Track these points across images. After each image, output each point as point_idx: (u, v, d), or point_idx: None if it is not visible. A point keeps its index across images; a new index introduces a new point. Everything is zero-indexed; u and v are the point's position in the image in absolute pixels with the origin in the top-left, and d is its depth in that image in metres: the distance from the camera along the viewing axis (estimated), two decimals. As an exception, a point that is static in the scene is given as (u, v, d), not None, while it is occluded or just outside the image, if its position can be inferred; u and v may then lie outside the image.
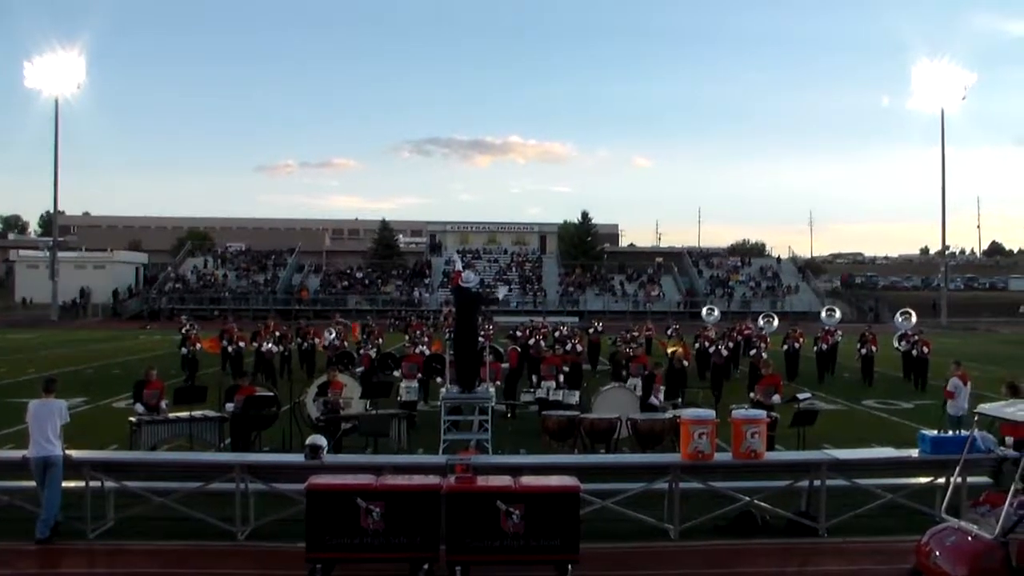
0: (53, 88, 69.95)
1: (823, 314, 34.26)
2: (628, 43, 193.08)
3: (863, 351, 29.23)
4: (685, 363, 24.60)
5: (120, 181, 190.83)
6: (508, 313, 60.45)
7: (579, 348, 27.76)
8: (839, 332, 31.35)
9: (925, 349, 28.09)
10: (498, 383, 20.05)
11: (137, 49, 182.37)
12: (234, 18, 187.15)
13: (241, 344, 29.18)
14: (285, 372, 28.19)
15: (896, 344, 30.06)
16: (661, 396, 17.56)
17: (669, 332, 33.24)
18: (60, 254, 74.84)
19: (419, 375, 20.98)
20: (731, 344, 28.68)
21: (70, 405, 13.19)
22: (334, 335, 28.31)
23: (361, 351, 24.71)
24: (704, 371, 27.70)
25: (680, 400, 18.15)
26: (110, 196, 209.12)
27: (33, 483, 11.59)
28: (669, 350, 24.50)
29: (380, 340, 29.29)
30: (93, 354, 39.78)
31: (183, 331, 30.35)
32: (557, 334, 30.84)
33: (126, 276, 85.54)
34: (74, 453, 11.94)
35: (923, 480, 12.74)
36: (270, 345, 27.11)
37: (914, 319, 31.17)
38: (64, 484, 11.62)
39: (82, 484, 11.82)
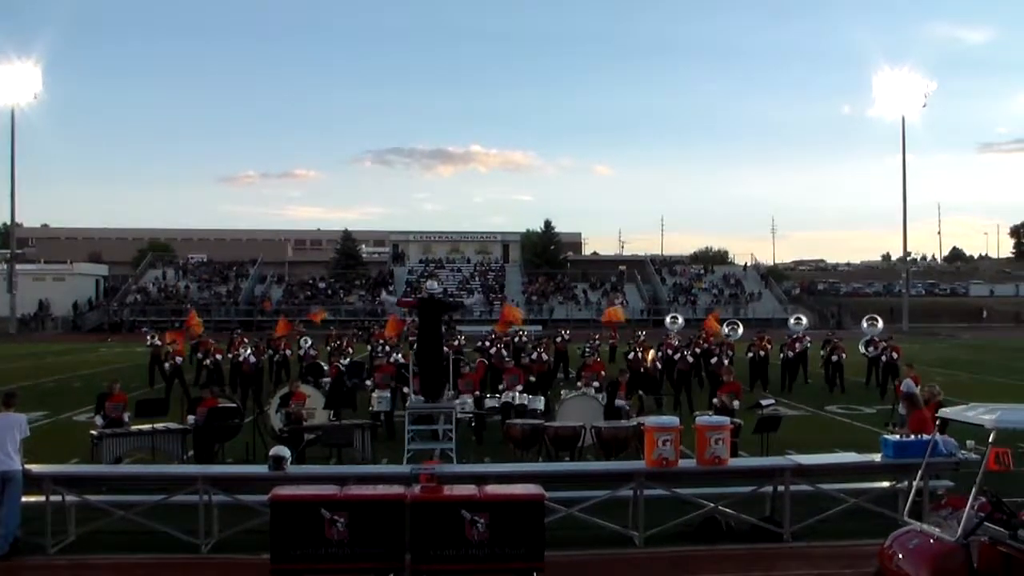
0: (9, 98, 69.04)
1: (791, 321, 34.37)
2: (588, 52, 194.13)
3: (833, 358, 29.32)
4: (659, 365, 24.76)
5: (79, 192, 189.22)
6: (473, 323, 60.40)
7: (545, 357, 27.63)
8: (807, 339, 31.39)
9: (895, 355, 27.99)
10: (477, 393, 20.03)
11: (95, 59, 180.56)
12: (194, 29, 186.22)
13: (218, 356, 28.82)
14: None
15: (863, 350, 30.25)
16: (626, 403, 17.59)
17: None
18: (18, 267, 74.05)
19: (391, 384, 20.91)
20: (696, 350, 28.65)
21: (30, 419, 13.03)
22: (310, 343, 28.28)
23: (331, 361, 24.60)
24: (668, 378, 27.52)
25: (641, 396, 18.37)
26: (69, 208, 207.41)
27: None
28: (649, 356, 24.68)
29: (350, 350, 29.23)
30: (53, 367, 39.37)
31: (151, 343, 30.08)
32: (516, 340, 30.72)
33: (86, 288, 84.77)
34: (34, 467, 11.79)
35: (886, 484, 12.85)
36: (248, 352, 26.64)
37: (880, 325, 31.38)
38: (24, 499, 11.46)
39: (42, 499, 11.65)
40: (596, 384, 19.84)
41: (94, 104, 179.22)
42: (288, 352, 30.05)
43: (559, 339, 33.49)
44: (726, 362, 23.75)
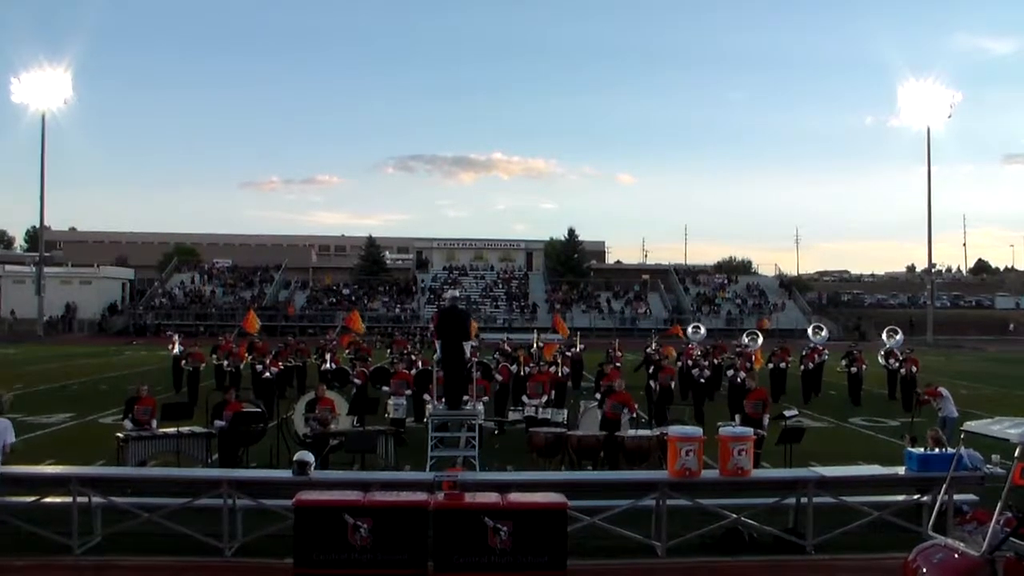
0: (40, 103, 69.46)
1: (810, 332, 34.17)
2: (610, 61, 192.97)
3: (852, 369, 29.14)
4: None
5: (106, 197, 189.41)
6: (495, 330, 60.42)
7: (566, 370, 27.30)
8: (825, 351, 31.22)
9: (914, 368, 27.93)
10: (486, 399, 20.00)
11: (124, 65, 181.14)
12: (219, 36, 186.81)
13: (241, 363, 28.95)
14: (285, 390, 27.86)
15: (883, 361, 30.10)
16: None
17: (648, 349, 32.70)
18: (46, 269, 74.39)
19: (407, 392, 20.95)
20: (715, 361, 28.52)
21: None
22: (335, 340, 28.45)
23: (357, 367, 24.69)
24: (687, 390, 27.38)
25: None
26: (96, 211, 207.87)
27: (29, 499, 11.59)
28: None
29: (369, 358, 29.23)
30: (79, 369, 39.63)
31: (180, 349, 30.19)
32: (532, 350, 30.43)
33: (112, 292, 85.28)
34: (60, 468, 11.93)
35: (910, 497, 12.79)
36: (267, 360, 26.74)
37: (900, 336, 31.21)
38: (51, 499, 11.61)
39: (69, 500, 11.78)
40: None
41: (122, 110, 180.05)
42: (309, 359, 30.25)
43: (573, 349, 33.14)
44: (741, 372, 23.62)
